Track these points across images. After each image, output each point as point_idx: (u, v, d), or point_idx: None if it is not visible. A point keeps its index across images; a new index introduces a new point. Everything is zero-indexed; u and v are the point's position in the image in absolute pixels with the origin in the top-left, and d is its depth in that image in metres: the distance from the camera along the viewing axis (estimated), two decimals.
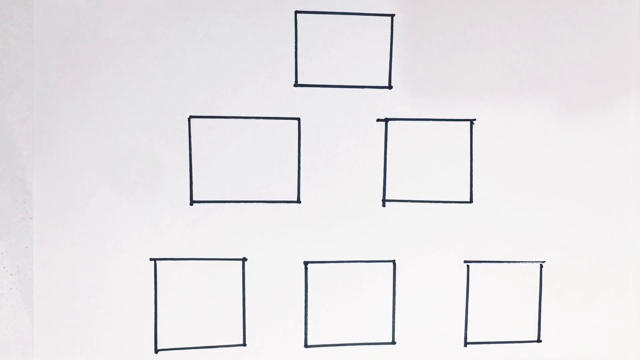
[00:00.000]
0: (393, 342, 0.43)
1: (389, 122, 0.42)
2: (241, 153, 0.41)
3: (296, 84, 0.41)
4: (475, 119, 0.43)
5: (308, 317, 0.43)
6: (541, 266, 0.44)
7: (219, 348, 0.42)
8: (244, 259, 0.42)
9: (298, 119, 0.42)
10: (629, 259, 0.44)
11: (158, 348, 0.42)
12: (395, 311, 0.43)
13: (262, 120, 0.41)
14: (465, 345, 0.44)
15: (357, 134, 0.42)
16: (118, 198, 0.41)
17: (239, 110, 0.41)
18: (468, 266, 0.43)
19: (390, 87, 0.42)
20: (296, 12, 0.41)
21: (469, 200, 0.43)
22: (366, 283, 0.43)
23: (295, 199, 0.42)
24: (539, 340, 0.44)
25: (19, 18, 0.40)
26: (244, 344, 0.42)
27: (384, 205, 0.42)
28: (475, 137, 0.43)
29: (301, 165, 0.42)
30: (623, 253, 0.44)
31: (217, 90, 0.41)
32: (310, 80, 0.42)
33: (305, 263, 0.42)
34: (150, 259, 0.41)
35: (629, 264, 0.44)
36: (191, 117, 0.41)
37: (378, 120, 0.42)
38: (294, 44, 0.41)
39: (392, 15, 0.42)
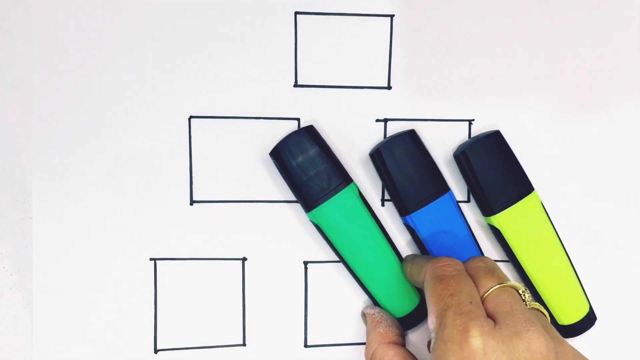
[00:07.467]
0: None
1: (388, 123, 0.42)
2: (241, 153, 0.41)
3: (296, 84, 0.42)
4: (473, 119, 0.43)
5: (308, 317, 0.43)
6: None
7: (219, 348, 0.42)
8: (244, 259, 0.42)
9: (298, 119, 0.42)
10: (624, 245, 0.44)
11: (158, 348, 0.42)
12: None
13: (262, 120, 0.41)
14: None
15: (356, 134, 0.42)
16: (118, 198, 0.41)
17: (239, 110, 0.41)
18: None
19: (389, 87, 0.42)
20: (296, 12, 0.41)
21: (466, 200, 0.43)
22: None
23: (296, 199, 0.42)
24: None
25: (19, 18, 0.40)
26: (244, 344, 0.42)
27: (382, 205, 0.43)
28: None
29: None
30: (621, 250, 0.44)
31: (217, 90, 0.41)
32: (310, 81, 0.42)
33: (305, 263, 0.42)
34: (150, 259, 0.41)
35: (627, 250, 0.44)
36: (191, 117, 0.41)
37: (377, 120, 0.42)
38: (294, 44, 0.41)
39: (392, 16, 0.42)
